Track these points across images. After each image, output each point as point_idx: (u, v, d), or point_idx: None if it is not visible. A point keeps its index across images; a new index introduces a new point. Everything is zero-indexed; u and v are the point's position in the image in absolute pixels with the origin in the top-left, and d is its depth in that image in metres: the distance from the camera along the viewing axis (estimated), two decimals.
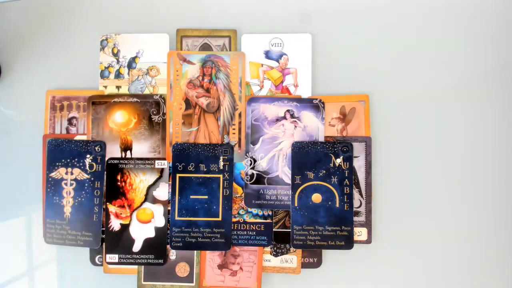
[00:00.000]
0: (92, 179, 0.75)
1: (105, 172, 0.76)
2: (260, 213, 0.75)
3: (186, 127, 0.76)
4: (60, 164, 0.76)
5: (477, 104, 0.77)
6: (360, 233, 0.75)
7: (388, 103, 0.77)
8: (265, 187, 0.75)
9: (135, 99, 0.76)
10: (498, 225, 0.76)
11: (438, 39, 0.78)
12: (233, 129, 0.76)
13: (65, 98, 0.77)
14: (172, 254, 0.76)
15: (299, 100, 0.76)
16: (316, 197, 0.74)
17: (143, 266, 0.75)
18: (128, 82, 0.77)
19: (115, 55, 0.78)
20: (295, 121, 0.76)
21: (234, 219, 0.75)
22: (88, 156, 0.75)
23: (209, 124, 0.76)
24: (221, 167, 0.75)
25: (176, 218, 0.75)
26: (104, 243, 0.75)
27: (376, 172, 0.76)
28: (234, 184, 0.76)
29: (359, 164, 0.75)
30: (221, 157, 0.75)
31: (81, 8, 0.79)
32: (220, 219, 0.75)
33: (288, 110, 0.76)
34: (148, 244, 0.75)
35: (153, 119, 0.76)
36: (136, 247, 0.75)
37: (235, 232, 0.75)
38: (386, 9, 0.78)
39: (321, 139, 0.75)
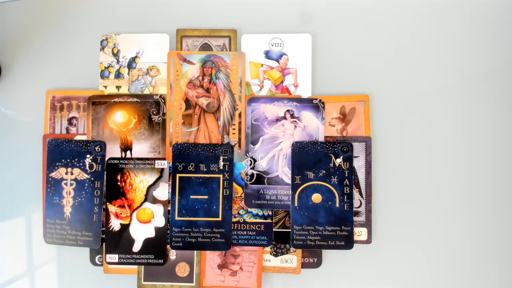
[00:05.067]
0: (92, 179, 0.75)
1: (105, 172, 0.76)
2: (260, 213, 0.75)
3: (186, 127, 0.76)
4: (60, 164, 0.76)
5: (478, 104, 0.77)
6: (360, 233, 0.75)
7: (388, 103, 0.77)
8: (265, 187, 0.75)
9: (135, 99, 0.76)
10: (499, 225, 0.76)
11: (438, 39, 0.78)
12: (233, 129, 0.76)
13: (65, 98, 0.77)
14: (172, 254, 0.76)
15: (299, 100, 0.76)
16: (316, 197, 0.74)
17: (143, 266, 0.75)
18: (128, 82, 0.77)
19: (115, 55, 0.78)
20: (295, 121, 0.76)
21: (234, 219, 0.75)
22: (88, 156, 0.75)
23: (209, 124, 0.76)
24: (221, 167, 0.75)
25: (176, 218, 0.75)
26: (104, 243, 0.75)
27: (376, 172, 0.76)
28: (234, 184, 0.76)
29: (359, 164, 0.75)
30: (221, 157, 0.75)
31: (81, 8, 0.79)
32: (220, 219, 0.75)
33: (288, 110, 0.76)
34: (148, 244, 0.75)
35: (153, 119, 0.76)
36: (136, 247, 0.75)
37: (235, 232, 0.75)
38: (386, 9, 0.78)
39: (321, 139, 0.75)
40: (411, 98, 0.77)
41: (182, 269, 0.75)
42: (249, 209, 0.75)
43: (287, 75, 0.77)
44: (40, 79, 0.79)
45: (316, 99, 0.76)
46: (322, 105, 0.76)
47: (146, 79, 0.77)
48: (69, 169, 0.75)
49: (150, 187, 0.75)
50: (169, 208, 0.75)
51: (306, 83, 0.77)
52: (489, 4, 0.78)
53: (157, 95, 0.77)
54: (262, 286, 0.76)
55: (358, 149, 0.75)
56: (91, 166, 0.75)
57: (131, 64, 0.77)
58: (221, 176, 0.75)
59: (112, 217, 0.75)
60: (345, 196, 0.74)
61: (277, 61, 0.77)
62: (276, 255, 0.75)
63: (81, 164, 0.75)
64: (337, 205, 0.74)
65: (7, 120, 0.79)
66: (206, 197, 0.75)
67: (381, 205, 0.76)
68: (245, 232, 0.75)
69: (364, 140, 0.76)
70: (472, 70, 0.77)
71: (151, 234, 0.75)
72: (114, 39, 0.78)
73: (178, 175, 0.75)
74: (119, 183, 0.75)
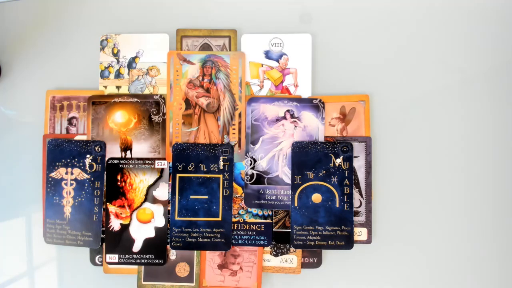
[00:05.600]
0: (92, 179, 0.75)
1: (105, 172, 0.76)
2: (260, 213, 0.75)
3: (186, 127, 0.76)
4: (60, 164, 0.76)
5: (478, 104, 0.77)
6: (360, 233, 0.75)
7: (388, 103, 0.77)
8: (265, 187, 0.75)
9: (135, 99, 0.76)
10: (499, 225, 0.76)
11: (438, 39, 0.78)
12: (233, 129, 0.76)
13: (65, 98, 0.77)
14: (172, 254, 0.76)
15: (299, 100, 0.76)
16: (316, 197, 0.74)
17: (143, 266, 0.75)
18: (128, 82, 0.77)
19: (115, 55, 0.78)
20: (295, 121, 0.76)
21: (234, 219, 0.75)
22: (88, 156, 0.76)
23: (209, 124, 0.76)
24: (221, 167, 0.75)
25: (176, 218, 0.75)
26: (104, 243, 0.75)
27: (376, 172, 0.76)
28: (234, 184, 0.76)
29: (359, 164, 0.75)
30: (221, 157, 0.75)
31: (81, 8, 0.79)
32: (220, 219, 0.75)
33: (288, 110, 0.76)
34: (148, 244, 0.75)
35: (153, 119, 0.76)
36: (136, 247, 0.75)
37: (235, 232, 0.75)
38: (386, 9, 0.78)
39: (321, 139, 0.75)
40: (411, 98, 0.77)
41: (182, 269, 0.75)
42: (249, 209, 0.75)
43: (287, 75, 0.77)
44: (40, 79, 0.79)
45: (316, 99, 0.76)
46: (322, 105, 0.76)
47: (146, 79, 0.77)
48: (69, 169, 0.75)
49: (150, 187, 0.75)
50: (169, 208, 0.75)
51: (306, 83, 0.77)
52: (489, 3, 0.78)
53: (157, 95, 0.77)
54: (262, 286, 0.76)
55: (358, 149, 0.75)
56: (91, 166, 0.75)
57: (131, 64, 0.77)
58: (221, 176, 0.75)
59: (112, 217, 0.75)
60: (345, 196, 0.74)
61: (277, 61, 0.77)
62: (276, 255, 0.75)
63: (81, 164, 0.75)
64: (337, 205, 0.74)
65: (7, 120, 0.79)
66: (206, 197, 0.75)
67: (381, 205, 0.76)
68: (245, 232, 0.75)
69: (364, 140, 0.76)
70: (472, 70, 0.77)
71: (151, 234, 0.75)
72: (114, 39, 0.78)
73: (178, 175, 0.75)
74: (119, 183, 0.75)
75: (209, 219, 0.75)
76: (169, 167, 0.76)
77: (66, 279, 0.77)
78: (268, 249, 0.76)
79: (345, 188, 0.74)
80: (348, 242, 0.74)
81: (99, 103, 0.77)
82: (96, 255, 0.76)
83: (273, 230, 0.75)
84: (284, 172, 0.75)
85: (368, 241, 0.75)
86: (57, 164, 0.76)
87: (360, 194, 0.75)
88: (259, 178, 0.75)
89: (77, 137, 0.77)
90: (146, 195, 0.75)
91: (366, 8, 0.78)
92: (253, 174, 0.75)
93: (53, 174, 0.76)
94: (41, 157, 0.77)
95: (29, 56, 0.79)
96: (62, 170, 0.76)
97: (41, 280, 0.78)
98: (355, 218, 0.75)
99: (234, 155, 0.75)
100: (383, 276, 0.76)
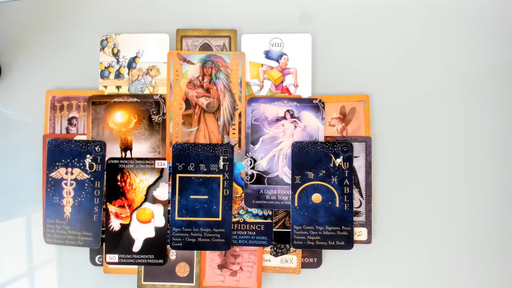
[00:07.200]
0: (92, 179, 0.75)
1: (105, 172, 0.76)
2: (260, 213, 0.75)
3: (186, 127, 0.76)
4: (60, 164, 0.76)
5: (477, 104, 0.77)
6: (360, 233, 0.75)
7: (388, 103, 0.77)
8: (265, 187, 0.75)
9: (135, 99, 0.76)
10: (498, 225, 0.76)
11: (438, 39, 0.78)
12: (233, 129, 0.76)
13: (65, 98, 0.77)
14: (172, 254, 0.76)
15: (299, 100, 0.76)
16: (316, 197, 0.74)
17: (143, 266, 0.75)
18: (128, 82, 0.77)
19: (115, 55, 0.78)
20: (295, 121, 0.76)
21: (234, 219, 0.75)
22: (88, 156, 0.76)
23: (209, 124, 0.76)
24: (221, 167, 0.75)
25: (176, 218, 0.75)
26: (104, 243, 0.75)
27: (376, 172, 0.76)
28: (234, 184, 0.76)
29: (359, 164, 0.75)
30: (221, 157, 0.75)
31: (81, 8, 0.79)
32: (220, 219, 0.75)
33: (288, 110, 0.76)
34: (148, 244, 0.75)
35: (153, 119, 0.76)
36: (136, 247, 0.75)
37: (235, 232, 0.75)
38: (386, 9, 0.78)
39: (321, 139, 0.75)
40: (411, 98, 0.77)
41: (182, 269, 0.75)
42: (249, 209, 0.75)
43: (287, 75, 0.77)
44: (40, 79, 0.79)
45: (316, 99, 0.76)
46: (322, 105, 0.76)
47: (146, 79, 0.77)
48: (69, 169, 0.75)
49: (150, 187, 0.75)
50: (169, 208, 0.75)
51: (306, 83, 0.77)
52: (489, 4, 0.78)
53: (157, 95, 0.77)
54: (262, 286, 0.76)
55: (358, 149, 0.75)
56: (91, 166, 0.75)
57: (131, 64, 0.77)
58: (221, 176, 0.75)
59: (112, 217, 0.75)
60: (345, 196, 0.74)
61: (277, 61, 0.77)
62: (276, 255, 0.75)
63: (81, 164, 0.75)
64: (337, 205, 0.74)
65: (7, 120, 0.79)
66: (206, 197, 0.75)
67: (381, 205, 0.76)
68: (245, 232, 0.75)
69: (364, 140, 0.76)
70: (473, 70, 0.77)
71: (151, 234, 0.75)
72: (114, 39, 0.78)
73: (178, 175, 0.75)
74: (119, 183, 0.75)
75: (209, 219, 0.75)
76: (169, 167, 0.76)
77: (66, 279, 0.77)
78: (268, 249, 0.76)
79: (345, 188, 0.74)
80: (348, 242, 0.74)
81: (99, 103, 0.77)
82: (96, 255, 0.76)
83: (273, 230, 0.75)
84: (284, 172, 0.75)
85: (368, 241, 0.75)
86: (57, 164, 0.76)
87: (360, 194, 0.75)
88: (259, 178, 0.75)
89: (77, 137, 0.77)
90: (146, 195, 0.75)
91: (366, 8, 0.78)
92: (253, 174, 0.75)
93: (53, 174, 0.76)
94: (41, 157, 0.77)
95: (29, 56, 0.79)
96: (62, 170, 0.76)
97: (41, 280, 0.78)
98: (355, 218, 0.75)
99: (234, 155, 0.75)
100: (383, 276, 0.76)
